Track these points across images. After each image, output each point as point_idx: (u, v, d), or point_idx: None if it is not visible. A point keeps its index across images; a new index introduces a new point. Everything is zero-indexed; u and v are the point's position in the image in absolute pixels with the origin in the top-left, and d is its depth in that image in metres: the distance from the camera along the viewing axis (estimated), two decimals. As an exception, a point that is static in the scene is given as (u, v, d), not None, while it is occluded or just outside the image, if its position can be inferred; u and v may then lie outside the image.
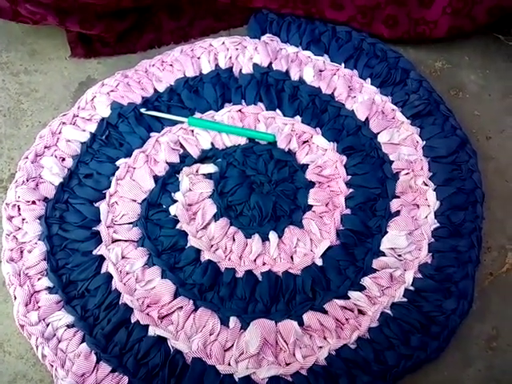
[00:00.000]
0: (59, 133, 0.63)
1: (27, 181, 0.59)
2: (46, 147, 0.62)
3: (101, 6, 0.63)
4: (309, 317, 0.54)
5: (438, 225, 0.59)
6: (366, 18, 0.67)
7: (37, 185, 0.59)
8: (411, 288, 0.56)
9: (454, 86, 0.70)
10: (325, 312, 0.55)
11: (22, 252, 0.57)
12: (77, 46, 0.69)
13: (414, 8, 0.66)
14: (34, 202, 0.58)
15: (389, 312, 0.55)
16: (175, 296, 0.55)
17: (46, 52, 0.70)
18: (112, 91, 0.65)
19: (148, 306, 0.55)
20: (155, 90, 0.66)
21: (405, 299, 0.56)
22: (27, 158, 0.61)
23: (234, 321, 0.54)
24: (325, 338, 0.54)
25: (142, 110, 0.63)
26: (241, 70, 0.67)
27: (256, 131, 0.63)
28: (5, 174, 0.63)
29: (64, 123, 0.63)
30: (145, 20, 0.70)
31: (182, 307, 0.55)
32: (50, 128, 0.62)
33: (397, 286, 0.57)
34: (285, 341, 0.54)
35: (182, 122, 0.63)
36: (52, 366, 0.52)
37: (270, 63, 0.67)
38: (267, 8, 0.69)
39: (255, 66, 0.67)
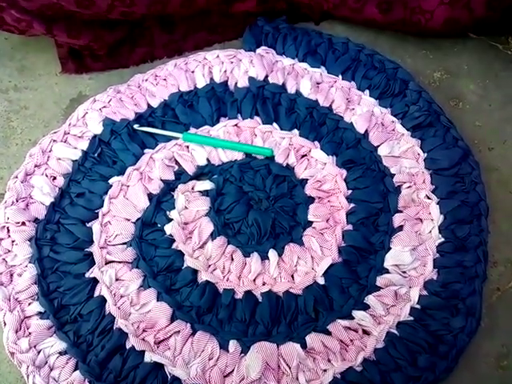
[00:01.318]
0: (50, 151, 0.61)
1: (17, 201, 0.57)
2: (36, 166, 0.60)
3: (87, 15, 0.61)
4: (312, 339, 0.52)
5: (442, 239, 0.58)
6: (359, 3, 0.66)
7: (27, 205, 0.57)
8: (417, 306, 0.54)
9: (453, 97, 0.69)
10: (328, 333, 0.53)
11: (11, 275, 0.55)
12: (67, 61, 0.67)
13: None
14: (23, 223, 0.56)
15: (395, 331, 0.53)
16: (172, 320, 0.53)
17: (36, 68, 0.69)
18: (104, 107, 0.63)
19: (144, 331, 0.53)
20: (149, 105, 0.64)
21: (411, 318, 0.54)
22: (17, 177, 0.59)
23: (233, 344, 0.52)
24: (329, 361, 0.52)
25: (136, 126, 0.62)
26: (236, 83, 0.65)
27: (253, 146, 0.62)
28: (-7, 195, 0.61)
29: (55, 141, 0.61)
30: (137, 34, 0.68)
31: (179, 331, 0.53)
32: (41, 146, 0.61)
33: (402, 304, 0.55)
34: (287, 364, 0.51)
35: (176, 138, 0.62)
36: (43, 395, 0.50)
37: (266, 76, 0.65)
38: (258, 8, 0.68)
39: (251, 79, 0.65)
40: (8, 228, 0.56)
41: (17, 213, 0.56)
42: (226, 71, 0.66)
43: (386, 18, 0.66)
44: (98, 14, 0.61)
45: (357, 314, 0.54)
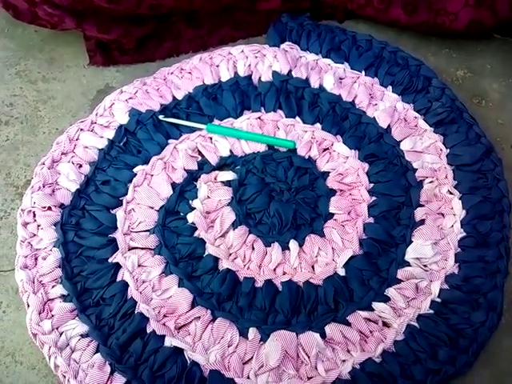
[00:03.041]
0: (77, 139, 0.62)
1: (43, 187, 0.58)
2: (63, 153, 0.61)
3: (117, 11, 0.63)
4: (331, 329, 0.52)
5: (464, 234, 0.57)
6: (384, 4, 0.66)
7: (53, 191, 0.58)
8: (438, 299, 0.54)
9: (476, 95, 0.69)
10: (348, 324, 0.53)
11: (36, 259, 0.56)
12: (95, 54, 0.69)
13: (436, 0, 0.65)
14: (49, 208, 0.57)
15: (415, 324, 0.53)
16: (192, 306, 0.54)
17: (65, 60, 0.71)
18: (130, 98, 0.64)
19: (164, 316, 0.53)
20: (174, 97, 0.65)
21: (431, 311, 0.54)
22: (44, 164, 0.60)
23: (253, 332, 0.52)
24: (348, 351, 0.52)
25: (161, 117, 0.63)
26: (260, 77, 0.66)
27: (276, 138, 0.62)
28: (21, 181, 0.62)
29: (82, 130, 0.62)
30: (163, 29, 0.70)
31: (199, 317, 0.53)
32: (68, 134, 0.62)
33: (423, 297, 0.54)
34: (306, 354, 0.51)
35: (200, 129, 0.63)
36: (64, 376, 0.50)
37: (290, 71, 0.66)
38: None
39: (275, 73, 0.66)
40: (34, 212, 0.57)
41: (43, 198, 0.57)
42: (250, 65, 0.67)
43: (411, 20, 0.66)
44: (127, 9, 0.62)
45: (377, 305, 0.54)
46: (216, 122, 0.64)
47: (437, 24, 0.66)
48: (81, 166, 0.61)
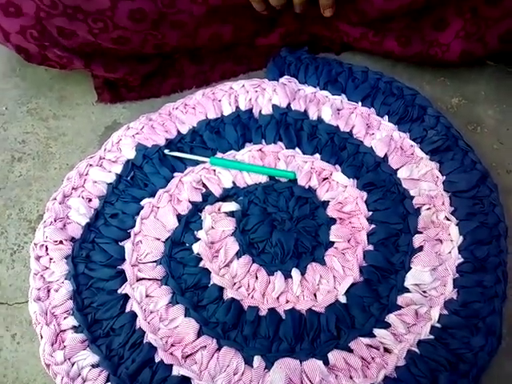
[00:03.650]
0: (86, 174, 0.65)
1: (55, 221, 0.61)
2: (73, 188, 0.63)
3: (123, 51, 0.66)
4: (334, 356, 0.54)
5: (462, 260, 0.59)
6: (378, 37, 0.68)
7: (64, 225, 0.61)
8: (437, 325, 0.55)
9: (471, 121, 0.70)
10: (350, 350, 0.54)
11: (48, 291, 0.58)
12: (103, 91, 0.72)
13: (428, 32, 0.67)
14: (61, 242, 0.60)
15: (415, 350, 0.54)
16: (199, 335, 0.55)
17: (74, 98, 0.73)
18: (137, 134, 0.67)
19: (172, 345, 0.55)
20: (178, 131, 0.68)
21: (431, 336, 0.55)
22: (55, 199, 0.62)
23: (258, 360, 0.54)
24: (351, 378, 0.53)
25: (166, 151, 0.65)
26: (260, 110, 0.69)
27: (276, 169, 0.64)
28: (33, 215, 0.65)
29: (91, 165, 0.65)
30: (167, 65, 0.72)
31: (205, 346, 0.55)
32: (78, 170, 0.65)
33: (423, 322, 0.56)
34: (310, 381, 0.53)
35: (204, 162, 0.65)
36: (77, 406, 0.52)
37: (289, 104, 0.69)
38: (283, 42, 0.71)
39: (274, 106, 0.68)
40: (46, 246, 0.59)
41: (55, 232, 0.60)
42: (250, 99, 0.69)
43: (405, 51, 0.68)
44: (132, 50, 0.65)
45: (378, 332, 0.55)
46: (219, 154, 0.66)
47: (430, 55, 0.68)
48: (90, 200, 0.63)
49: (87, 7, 0.59)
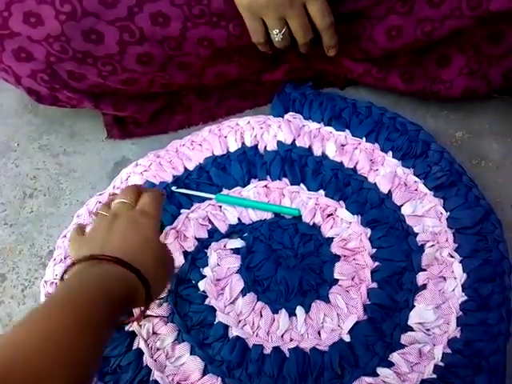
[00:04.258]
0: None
1: (64, 259, 0.62)
2: (82, 226, 0.65)
3: (131, 91, 0.67)
4: (337, 395, 0.54)
5: (465, 298, 0.59)
6: (382, 73, 0.69)
7: (73, 263, 0.62)
8: (441, 364, 0.56)
9: (475, 155, 0.71)
10: (353, 390, 0.55)
11: (58, 329, 0.59)
12: (113, 128, 0.73)
13: (431, 68, 0.68)
14: (70, 280, 0.61)
15: (419, 389, 0.55)
16: (204, 373, 0.56)
17: (84, 134, 0.75)
18: (145, 171, 0.69)
19: (178, 383, 0.56)
20: (185, 168, 0.69)
21: (434, 375, 0.55)
22: (65, 236, 0.64)
23: (262, 399, 0.55)
24: (354, 417, 0.54)
25: (173, 188, 0.67)
26: (266, 147, 0.70)
27: (281, 206, 0.65)
28: (44, 251, 0.66)
29: (100, 202, 0.67)
30: (175, 102, 0.74)
31: (210, 384, 0.56)
32: (87, 207, 0.66)
33: (426, 361, 0.56)
34: (314, 420, 0.53)
35: (210, 199, 0.66)
36: None
37: (294, 140, 0.70)
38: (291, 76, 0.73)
39: (279, 143, 0.69)
40: (56, 284, 0.61)
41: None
42: (256, 136, 0.71)
43: (408, 87, 0.69)
44: (141, 89, 0.67)
45: (381, 371, 0.56)
46: (225, 191, 0.67)
47: (433, 91, 0.69)
48: (99, 237, 0.65)
49: (96, 52, 0.61)
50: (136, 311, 0.54)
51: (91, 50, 0.60)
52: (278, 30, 0.61)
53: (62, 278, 0.46)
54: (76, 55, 0.61)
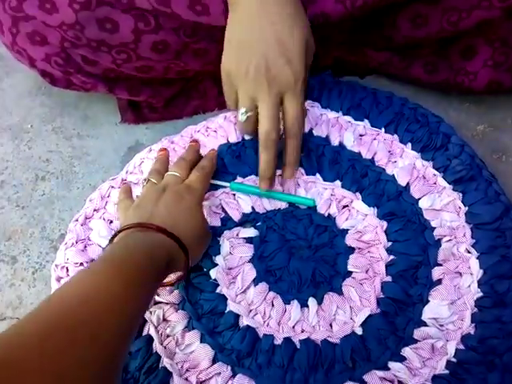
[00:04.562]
0: (108, 196, 0.65)
1: (76, 243, 0.62)
2: (95, 210, 0.64)
3: (147, 78, 0.66)
4: (348, 388, 0.54)
5: (481, 294, 0.58)
6: (404, 63, 0.67)
7: (85, 247, 0.62)
8: (453, 359, 0.55)
9: (496, 150, 0.69)
10: (364, 383, 0.54)
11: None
12: (127, 112, 0.73)
13: (455, 59, 0.66)
14: (81, 264, 0.61)
15: (430, 385, 0.54)
16: (214, 361, 0.56)
17: (98, 117, 0.74)
18: (159, 156, 0.68)
19: (187, 370, 0.56)
20: (200, 155, 0.68)
21: (447, 371, 0.54)
22: (77, 220, 0.63)
23: (271, 389, 0.54)
24: (364, 411, 0.53)
25: (188, 175, 0.66)
26: (282, 135, 0.68)
27: (296, 196, 0.64)
28: (55, 235, 0.66)
29: (113, 187, 0.66)
30: (191, 87, 0.73)
31: (220, 373, 0.55)
32: (100, 191, 0.65)
33: (438, 357, 0.55)
34: (323, 412, 0.53)
35: (224, 187, 0.65)
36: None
37: (311, 129, 0.68)
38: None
39: (296, 131, 0.68)
40: (67, 268, 0.61)
41: (76, 254, 0.61)
42: (272, 124, 0.69)
43: (431, 78, 0.67)
44: (156, 76, 0.66)
45: (393, 365, 0.55)
46: (239, 179, 0.66)
47: (456, 83, 0.67)
48: (111, 221, 0.64)
49: (111, 41, 0.60)
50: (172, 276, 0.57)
51: (106, 38, 0.60)
52: (244, 110, 0.55)
53: (111, 241, 0.51)
54: (90, 43, 0.60)
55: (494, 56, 0.64)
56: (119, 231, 0.51)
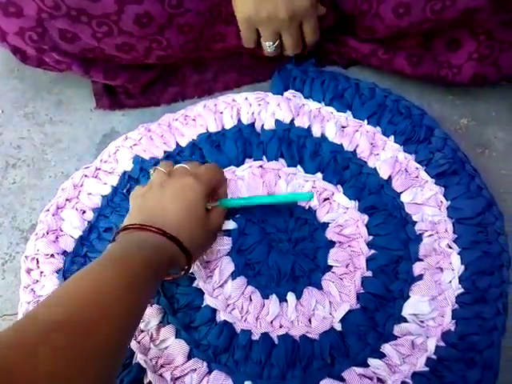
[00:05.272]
0: (81, 185, 0.63)
1: (47, 233, 0.59)
2: (67, 200, 0.62)
3: (126, 60, 0.64)
4: (326, 385, 0.53)
5: (462, 290, 0.57)
6: (388, 54, 0.66)
7: (56, 238, 0.60)
8: (433, 356, 0.54)
9: (480, 144, 0.68)
10: (342, 380, 0.53)
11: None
12: (102, 97, 0.70)
13: (440, 51, 0.65)
14: (52, 256, 0.59)
15: (409, 382, 0.53)
16: (189, 357, 0.54)
17: (72, 102, 0.71)
18: (135, 145, 0.65)
19: (161, 367, 0.54)
20: (177, 144, 0.66)
21: (426, 368, 0.54)
22: (48, 210, 0.61)
23: (248, 386, 0.53)
24: (342, 408, 0.52)
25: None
26: (263, 125, 0.67)
27: (293, 194, 0.62)
28: (26, 225, 0.63)
29: (86, 176, 0.64)
30: (169, 73, 0.70)
31: (195, 369, 0.54)
32: (73, 181, 0.63)
33: (418, 354, 0.55)
34: (301, 409, 0.52)
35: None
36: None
37: (293, 119, 0.66)
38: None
39: (277, 121, 0.66)
40: (37, 259, 0.58)
41: (46, 245, 0.58)
42: (253, 113, 0.67)
43: (415, 71, 0.66)
44: (135, 59, 0.63)
45: (372, 362, 0.54)
46: (218, 170, 0.64)
47: (440, 76, 0.66)
48: (84, 212, 0.62)
49: (92, 10, 0.56)
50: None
51: (87, 7, 0.56)
52: (271, 43, 0.64)
53: (113, 240, 0.51)
54: (70, 12, 0.56)
55: (479, 49, 0.62)
56: (121, 230, 0.51)
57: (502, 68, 0.63)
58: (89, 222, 0.61)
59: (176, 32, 0.61)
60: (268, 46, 0.65)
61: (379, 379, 0.54)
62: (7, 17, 0.58)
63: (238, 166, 0.64)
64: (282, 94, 0.69)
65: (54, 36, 0.60)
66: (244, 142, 0.65)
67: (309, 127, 0.66)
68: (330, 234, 0.61)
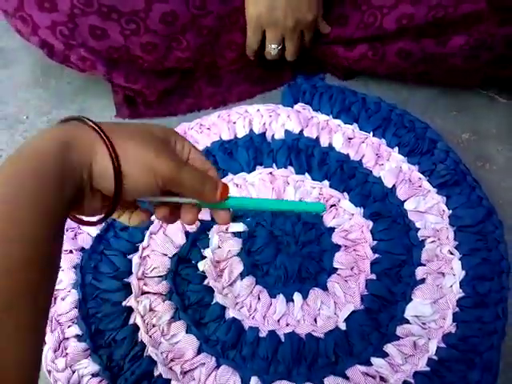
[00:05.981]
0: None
1: (66, 231, 0.62)
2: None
3: (148, 62, 0.67)
4: (330, 382, 0.54)
5: (462, 294, 0.59)
6: (377, 55, 0.69)
7: (75, 235, 0.62)
8: (434, 357, 0.56)
9: (480, 157, 0.71)
10: (346, 377, 0.55)
11: (55, 299, 0.59)
12: (122, 107, 0.74)
13: (429, 46, 0.67)
14: (71, 252, 0.61)
15: (411, 381, 0.55)
16: (198, 352, 0.56)
17: (94, 111, 0.75)
18: (152, 151, 0.69)
19: (171, 360, 0.56)
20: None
21: (428, 368, 0.55)
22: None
23: (255, 381, 0.55)
24: (346, 405, 0.54)
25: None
26: (273, 135, 0.70)
27: (303, 203, 0.61)
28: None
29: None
30: (185, 85, 0.74)
31: (204, 364, 0.56)
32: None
33: (420, 354, 0.56)
34: (305, 404, 0.53)
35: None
36: (75, 413, 0.53)
37: (302, 130, 0.70)
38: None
39: (287, 132, 0.70)
40: None
41: (66, 242, 0.61)
42: (264, 123, 0.71)
43: (408, 62, 0.69)
44: (156, 61, 0.67)
45: (375, 361, 0.56)
46: (230, 175, 0.67)
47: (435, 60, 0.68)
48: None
49: (122, 7, 0.61)
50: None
51: (117, 4, 0.61)
52: (276, 45, 0.69)
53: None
54: (101, 9, 0.60)
55: (470, 42, 0.65)
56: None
57: (494, 49, 0.65)
58: (106, 221, 0.64)
59: (195, 33, 0.66)
60: (272, 49, 0.69)
61: (382, 378, 0.55)
62: (41, 11, 0.61)
63: (249, 172, 0.67)
64: (292, 107, 0.73)
65: (84, 32, 0.63)
66: (255, 150, 0.69)
67: (317, 137, 0.70)
68: (335, 238, 0.63)
